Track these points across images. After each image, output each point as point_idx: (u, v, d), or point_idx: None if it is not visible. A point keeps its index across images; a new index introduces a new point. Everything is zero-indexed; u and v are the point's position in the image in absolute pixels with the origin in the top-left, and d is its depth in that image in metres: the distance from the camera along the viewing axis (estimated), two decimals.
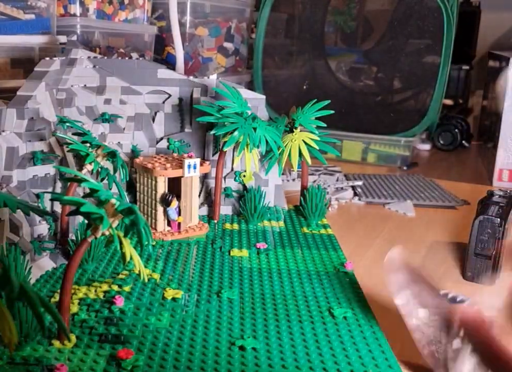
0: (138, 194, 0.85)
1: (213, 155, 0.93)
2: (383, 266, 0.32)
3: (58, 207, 0.76)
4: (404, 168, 1.38)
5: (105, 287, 0.64)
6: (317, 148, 0.92)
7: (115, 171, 0.76)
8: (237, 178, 0.93)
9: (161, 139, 0.95)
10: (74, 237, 0.73)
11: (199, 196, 0.89)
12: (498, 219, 0.70)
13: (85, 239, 0.50)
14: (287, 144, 0.91)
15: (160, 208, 0.81)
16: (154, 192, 0.81)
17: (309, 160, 0.92)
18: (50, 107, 0.81)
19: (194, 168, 0.80)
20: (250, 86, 1.65)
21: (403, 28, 1.50)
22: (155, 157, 0.87)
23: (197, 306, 0.61)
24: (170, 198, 0.80)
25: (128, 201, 0.89)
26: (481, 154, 1.58)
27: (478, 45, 2.05)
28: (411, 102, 1.55)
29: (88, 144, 0.74)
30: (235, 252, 0.77)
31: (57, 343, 0.52)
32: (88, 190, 0.50)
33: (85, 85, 0.89)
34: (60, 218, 0.74)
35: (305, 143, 0.92)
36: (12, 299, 0.29)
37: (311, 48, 1.63)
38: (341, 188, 1.14)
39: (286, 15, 1.63)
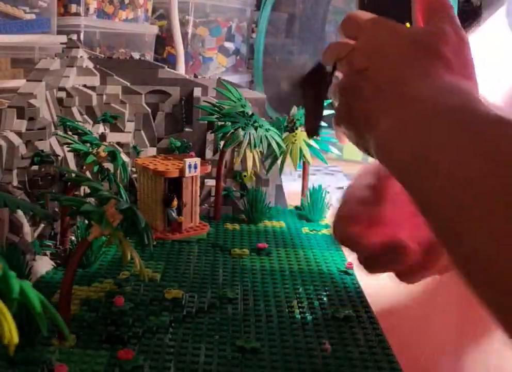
0: (138, 193, 0.85)
1: (213, 155, 0.93)
2: None
3: (57, 207, 0.76)
4: None
5: (105, 287, 0.64)
6: (318, 147, 0.92)
7: (115, 171, 0.76)
8: (237, 178, 0.93)
9: (162, 139, 0.94)
10: (74, 237, 0.73)
11: (199, 195, 0.88)
12: None
13: (85, 239, 0.50)
14: (288, 144, 0.91)
15: (160, 208, 0.81)
16: (154, 192, 0.81)
17: (310, 160, 0.92)
18: (50, 107, 0.81)
19: (195, 168, 0.80)
20: (251, 86, 1.65)
21: None
22: (156, 157, 0.86)
23: (198, 306, 0.61)
24: (170, 198, 0.79)
25: (128, 201, 0.88)
26: None
27: None
28: None
29: (88, 144, 0.74)
30: (236, 252, 0.76)
31: (57, 343, 0.52)
32: (88, 190, 0.50)
33: (85, 85, 0.89)
34: (60, 218, 0.74)
35: (306, 143, 0.91)
36: (11, 300, 0.28)
37: (312, 48, 1.63)
38: (342, 188, 1.14)
39: (286, 15, 1.63)
